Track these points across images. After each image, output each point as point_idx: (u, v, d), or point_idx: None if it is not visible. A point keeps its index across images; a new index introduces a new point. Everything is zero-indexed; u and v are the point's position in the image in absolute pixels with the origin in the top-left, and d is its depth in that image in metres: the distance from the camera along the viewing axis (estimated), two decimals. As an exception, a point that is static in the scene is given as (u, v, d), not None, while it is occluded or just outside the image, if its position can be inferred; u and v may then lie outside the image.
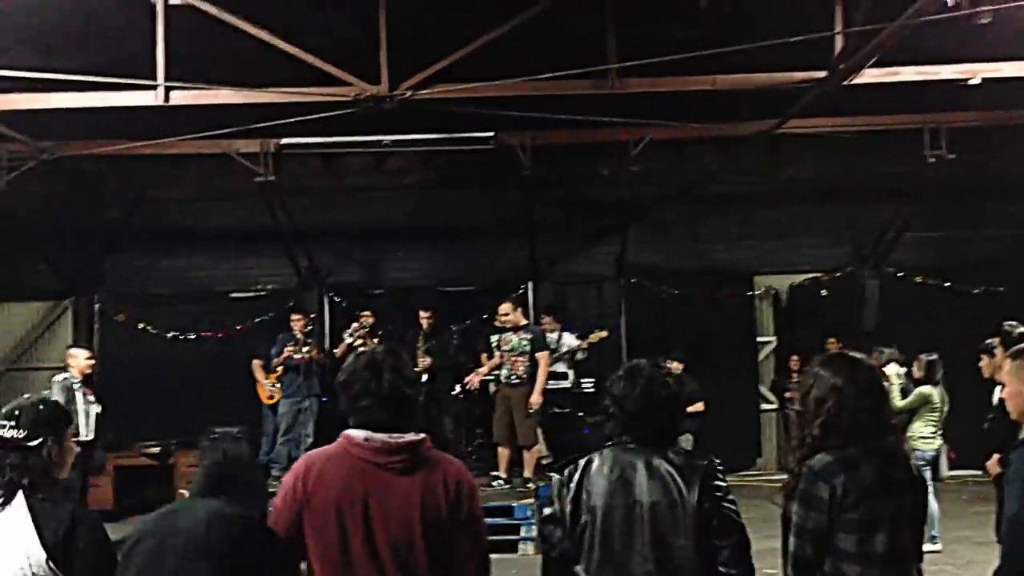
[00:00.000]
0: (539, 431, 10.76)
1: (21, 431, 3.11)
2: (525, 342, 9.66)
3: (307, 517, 2.83)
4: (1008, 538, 3.16)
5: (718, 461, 3.22)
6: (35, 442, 3.11)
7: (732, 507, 3.14)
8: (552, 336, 10.90)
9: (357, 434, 2.89)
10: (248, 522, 2.93)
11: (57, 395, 8.48)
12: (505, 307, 9.89)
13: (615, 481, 3.13)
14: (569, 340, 11.55)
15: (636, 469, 3.13)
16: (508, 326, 9.77)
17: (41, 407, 3.23)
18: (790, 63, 8.89)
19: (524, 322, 9.98)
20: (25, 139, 10.47)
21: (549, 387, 11.00)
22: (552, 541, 3.22)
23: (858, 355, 3.26)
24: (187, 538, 2.85)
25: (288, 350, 11.02)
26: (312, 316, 11.78)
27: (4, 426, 3.13)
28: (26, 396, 3.37)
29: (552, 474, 3.40)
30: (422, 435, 2.93)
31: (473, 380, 10.34)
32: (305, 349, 11.01)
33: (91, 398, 9.10)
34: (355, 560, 2.81)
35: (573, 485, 3.18)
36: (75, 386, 8.89)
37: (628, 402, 3.21)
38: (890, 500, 2.98)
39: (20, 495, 3.01)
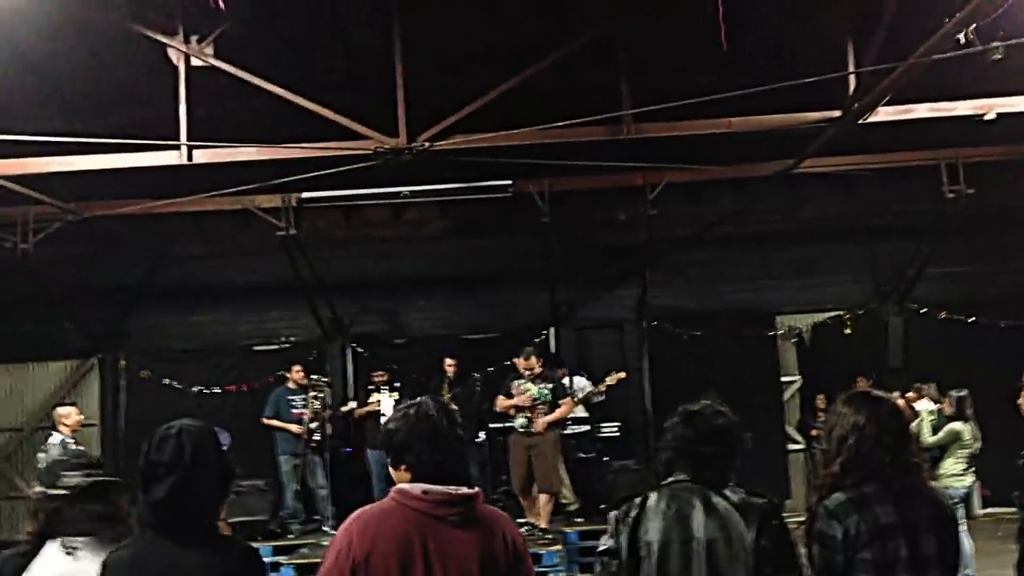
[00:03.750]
0: (565, 477, 10.68)
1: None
2: (546, 392, 9.54)
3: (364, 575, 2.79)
4: None
5: (777, 501, 3.20)
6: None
7: (790, 546, 3.12)
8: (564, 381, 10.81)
9: (413, 488, 2.87)
10: None
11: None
12: (532, 361, 9.59)
13: (672, 517, 3.12)
14: (580, 383, 11.48)
15: (693, 506, 3.12)
16: (525, 375, 9.62)
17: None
18: (806, 103, 8.93)
19: (539, 370, 9.74)
20: (51, 201, 10.62)
21: (570, 431, 10.93)
22: (611, 570, 3.22)
23: (882, 393, 3.25)
24: None
25: (300, 407, 10.98)
26: (312, 375, 11.58)
27: (93, 474, 3.22)
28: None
29: (608, 516, 3.35)
30: (477, 489, 2.93)
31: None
32: (307, 407, 10.93)
33: None
34: None
35: (631, 520, 3.18)
36: (69, 447, 8.44)
37: (687, 441, 3.20)
38: (908, 540, 2.94)
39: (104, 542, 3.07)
